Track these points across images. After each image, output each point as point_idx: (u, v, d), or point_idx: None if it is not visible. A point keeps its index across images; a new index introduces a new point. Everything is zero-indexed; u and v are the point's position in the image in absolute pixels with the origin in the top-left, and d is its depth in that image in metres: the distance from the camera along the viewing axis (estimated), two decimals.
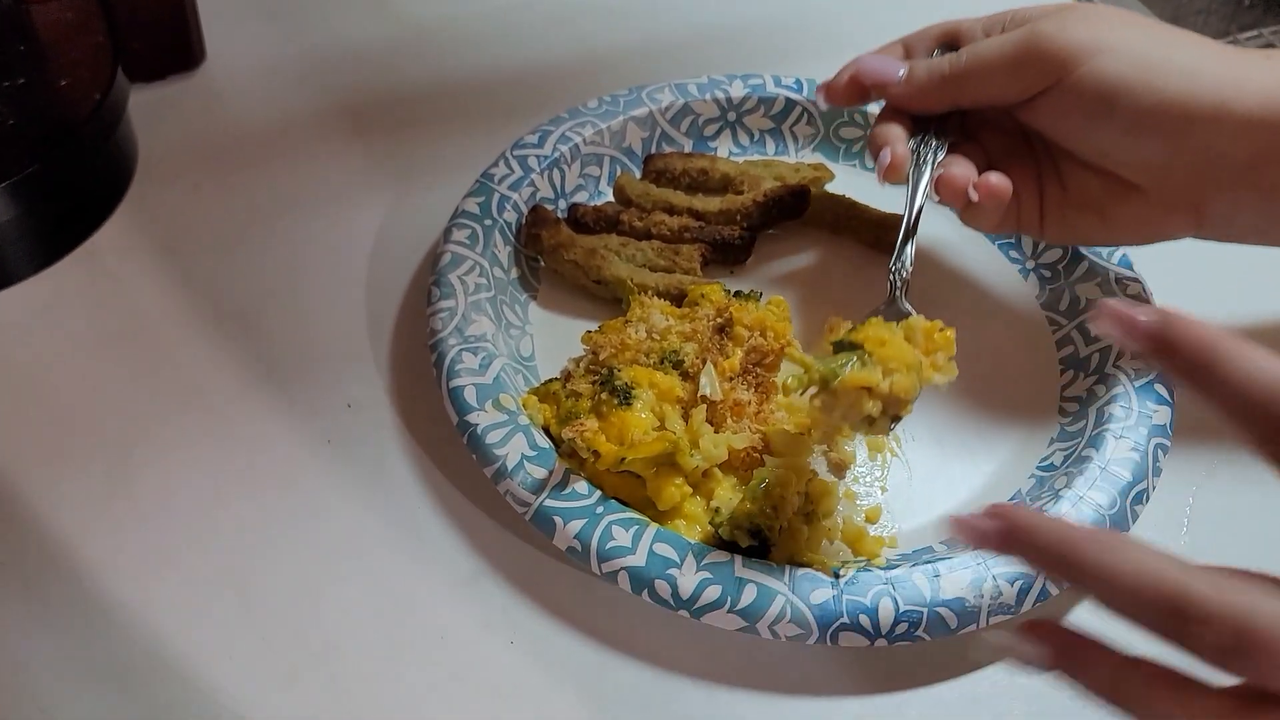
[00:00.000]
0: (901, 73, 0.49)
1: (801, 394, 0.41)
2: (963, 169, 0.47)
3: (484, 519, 0.44)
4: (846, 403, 0.40)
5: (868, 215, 0.55)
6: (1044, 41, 0.45)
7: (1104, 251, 0.53)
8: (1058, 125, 0.47)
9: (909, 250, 0.49)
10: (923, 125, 0.50)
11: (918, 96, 0.49)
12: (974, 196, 0.47)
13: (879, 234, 0.55)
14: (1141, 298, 0.51)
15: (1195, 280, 0.56)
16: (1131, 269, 0.52)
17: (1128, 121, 0.44)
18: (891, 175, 0.48)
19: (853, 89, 0.50)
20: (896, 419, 0.41)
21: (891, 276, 0.49)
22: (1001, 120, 0.50)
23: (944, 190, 0.47)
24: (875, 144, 0.49)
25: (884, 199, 0.57)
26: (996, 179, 0.47)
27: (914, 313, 0.45)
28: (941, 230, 0.56)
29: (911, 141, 0.49)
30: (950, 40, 0.50)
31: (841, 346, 0.42)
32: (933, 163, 0.49)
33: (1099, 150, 0.46)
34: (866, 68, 0.50)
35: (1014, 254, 0.56)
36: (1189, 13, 1.17)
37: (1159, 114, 0.44)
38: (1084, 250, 0.53)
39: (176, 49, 0.60)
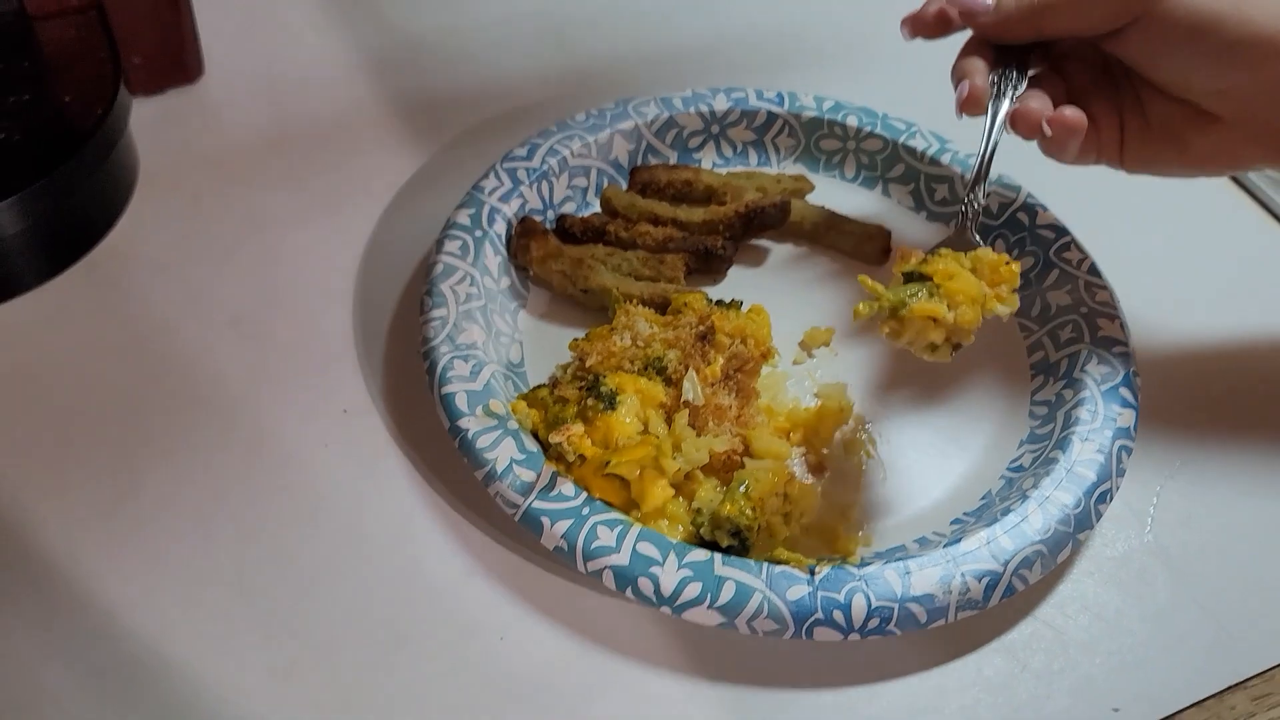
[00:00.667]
0: (990, 2, 0.49)
1: (870, 318, 0.45)
2: (1039, 103, 0.48)
3: (475, 520, 0.46)
4: (913, 330, 0.44)
5: (846, 225, 0.57)
6: None
7: (1074, 259, 0.55)
8: (1144, 55, 0.47)
9: (983, 184, 0.50)
10: (1005, 57, 0.50)
11: (1005, 27, 0.49)
12: (1047, 131, 0.47)
13: (856, 243, 0.57)
14: (1110, 304, 0.53)
15: (1165, 283, 0.58)
16: (1100, 276, 0.54)
17: (1215, 52, 0.45)
18: (970, 107, 0.49)
19: (940, 20, 0.51)
20: (958, 347, 0.45)
21: (964, 208, 0.50)
22: (1084, 51, 0.51)
23: (1019, 124, 0.48)
24: (956, 76, 0.50)
25: (861, 207, 0.59)
26: (1071, 114, 0.47)
27: (982, 244, 0.48)
28: (919, 239, 0.58)
29: (992, 74, 0.49)
30: None
31: (911, 277, 0.45)
32: (1012, 95, 0.49)
33: (1183, 80, 0.47)
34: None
35: None
36: None
37: (1247, 44, 0.44)
38: (1053, 258, 0.55)
39: (175, 63, 0.62)
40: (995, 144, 0.49)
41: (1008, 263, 0.45)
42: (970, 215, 0.50)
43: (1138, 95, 0.50)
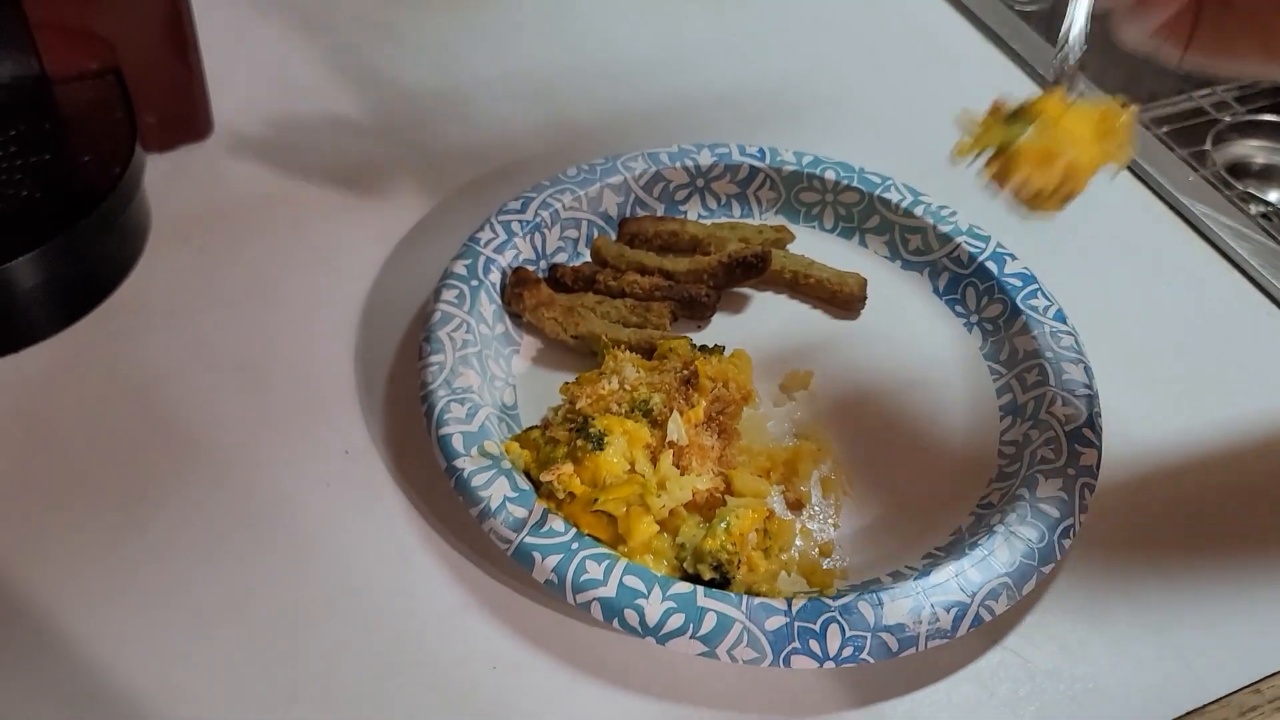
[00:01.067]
0: None
1: (977, 157, 0.40)
2: None
3: (470, 555, 0.48)
4: (1024, 172, 0.40)
5: (824, 274, 0.60)
6: None
7: (1040, 306, 0.58)
8: None
9: (1073, 36, 0.45)
10: None
11: None
12: None
13: (834, 292, 0.59)
14: (1075, 350, 0.56)
15: (1126, 328, 0.61)
16: (1065, 322, 0.57)
17: None
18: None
19: None
20: (1068, 198, 0.40)
21: (1057, 62, 0.46)
22: None
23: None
24: None
25: (840, 258, 0.62)
26: None
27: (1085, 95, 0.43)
28: (894, 287, 0.61)
29: None
30: None
31: (1016, 118, 0.40)
32: None
33: None
34: None
35: (959, 309, 0.60)
36: (1146, 72, 1.23)
37: None
38: (1020, 305, 0.58)
39: (187, 122, 0.65)
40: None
41: (1123, 106, 0.40)
42: (1065, 71, 0.45)
43: None
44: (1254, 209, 0.85)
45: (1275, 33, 0.44)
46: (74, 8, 0.58)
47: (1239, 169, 0.95)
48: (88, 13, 0.58)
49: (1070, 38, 0.45)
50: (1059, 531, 0.48)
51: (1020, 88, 0.77)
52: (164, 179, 0.63)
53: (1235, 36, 0.45)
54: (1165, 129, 0.97)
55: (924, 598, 0.45)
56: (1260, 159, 0.97)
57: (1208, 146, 0.92)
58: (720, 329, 0.59)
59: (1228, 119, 0.97)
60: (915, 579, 0.46)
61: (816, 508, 0.52)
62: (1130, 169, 0.72)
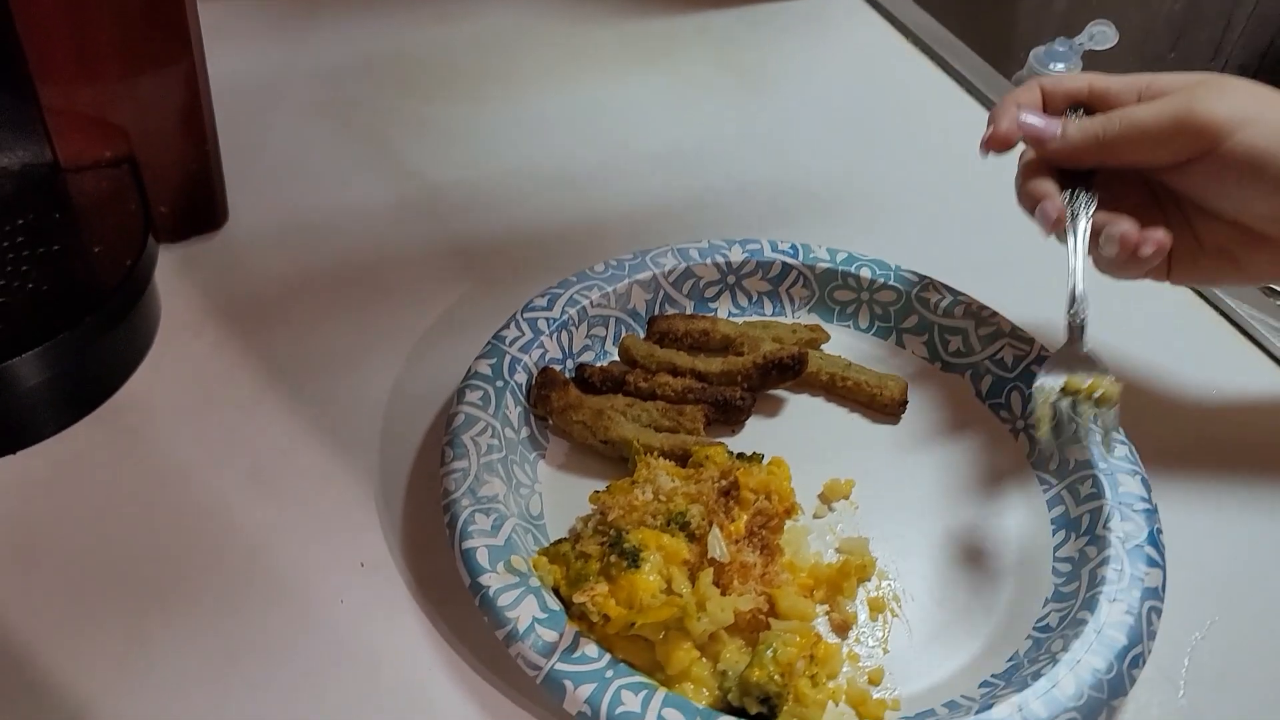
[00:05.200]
0: (1058, 131, 0.53)
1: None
2: (1129, 225, 0.51)
3: (494, 681, 0.45)
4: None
5: (863, 377, 0.58)
6: (1200, 114, 0.49)
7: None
8: (1205, 188, 0.51)
9: (1078, 296, 0.52)
10: (1069, 179, 0.53)
11: (1073, 155, 0.53)
12: (1146, 251, 0.51)
13: (873, 395, 0.57)
14: (1130, 461, 0.53)
15: (1180, 433, 0.58)
16: (1119, 430, 0.54)
17: (1272, 185, 0.49)
18: (1057, 226, 0.52)
19: (1007, 139, 0.54)
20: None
21: (1070, 319, 0.52)
22: (1127, 173, 0.54)
23: (1122, 246, 0.51)
24: (1032, 198, 0.53)
25: (877, 359, 0.59)
26: (1163, 235, 0.51)
27: (1092, 353, 0.51)
28: (934, 390, 0.59)
29: (1062, 195, 0.53)
30: (1083, 99, 0.54)
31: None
32: (1086, 214, 0.52)
33: (1241, 208, 0.51)
34: (1028, 124, 0.53)
35: (1004, 414, 0.58)
36: None
37: None
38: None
39: (201, 211, 0.63)
40: (1082, 260, 0.52)
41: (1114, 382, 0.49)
42: (1078, 328, 0.52)
43: (1188, 217, 0.53)
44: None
45: (1243, 262, 0.53)
46: (89, 94, 0.56)
47: None
48: (103, 100, 0.56)
49: (1079, 294, 0.52)
50: (1128, 660, 0.45)
51: None
52: (175, 270, 0.61)
53: (1210, 266, 0.53)
54: None
55: None
56: None
57: None
58: (754, 434, 0.56)
59: None
60: (975, 713, 0.43)
61: (864, 630, 0.48)
62: None
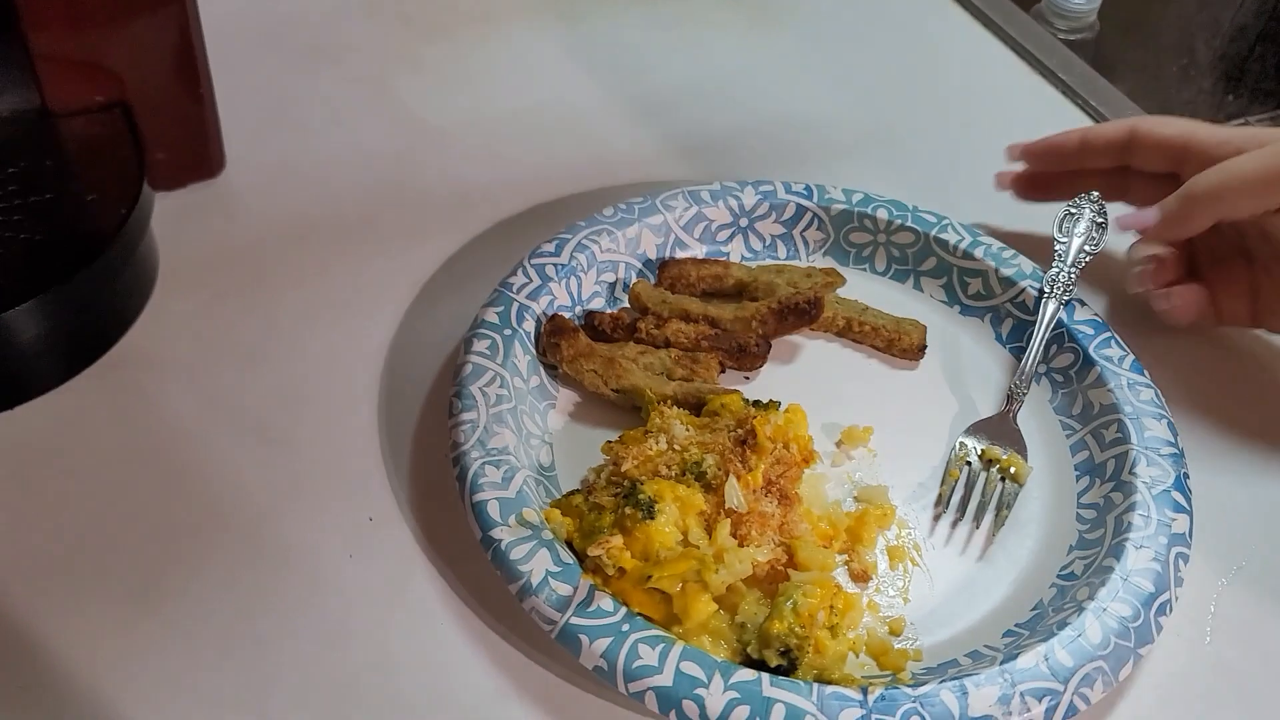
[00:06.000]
0: (1155, 215, 0.54)
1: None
2: (1196, 295, 0.55)
3: (507, 635, 0.44)
4: None
5: (880, 321, 0.56)
6: None
7: (1115, 356, 0.54)
8: None
9: (1027, 370, 0.54)
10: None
11: (1181, 227, 0.54)
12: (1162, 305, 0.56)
13: (891, 340, 0.55)
14: (1156, 404, 0.52)
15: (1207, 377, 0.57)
16: (1143, 374, 0.53)
17: None
18: (1185, 314, 0.56)
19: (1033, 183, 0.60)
20: None
21: (1011, 389, 0.54)
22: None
23: (1178, 312, 0.55)
24: (1156, 278, 0.55)
25: (894, 303, 0.58)
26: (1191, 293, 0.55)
27: (1020, 430, 0.52)
28: (953, 334, 0.57)
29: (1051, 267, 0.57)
30: (1156, 151, 0.56)
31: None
32: (1056, 298, 0.55)
33: None
34: (1126, 223, 0.56)
35: None
36: (1178, 103, 1.20)
37: None
38: (1094, 355, 0.54)
39: (198, 158, 0.61)
40: (1042, 336, 0.55)
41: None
42: (1017, 399, 0.53)
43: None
44: None
45: None
46: (78, 38, 0.54)
47: None
48: (92, 43, 0.54)
49: (1028, 369, 0.54)
50: (1155, 608, 0.44)
51: (1068, 119, 0.73)
52: (173, 219, 0.59)
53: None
54: None
55: (1012, 685, 0.41)
56: None
57: None
58: (770, 380, 0.55)
59: None
60: (1000, 663, 0.42)
61: (884, 580, 0.47)
62: None
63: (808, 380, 0.55)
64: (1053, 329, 0.55)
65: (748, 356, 0.53)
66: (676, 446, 0.47)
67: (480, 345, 0.51)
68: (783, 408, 0.50)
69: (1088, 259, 0.57)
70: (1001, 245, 0.59)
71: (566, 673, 0.43)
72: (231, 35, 0.70)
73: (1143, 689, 0.45)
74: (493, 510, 0.45)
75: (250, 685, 0.42)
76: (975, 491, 0.50)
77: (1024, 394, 0.53)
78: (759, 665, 0.42)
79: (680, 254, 0.59)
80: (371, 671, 0.43)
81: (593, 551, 0.42)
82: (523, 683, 0.43)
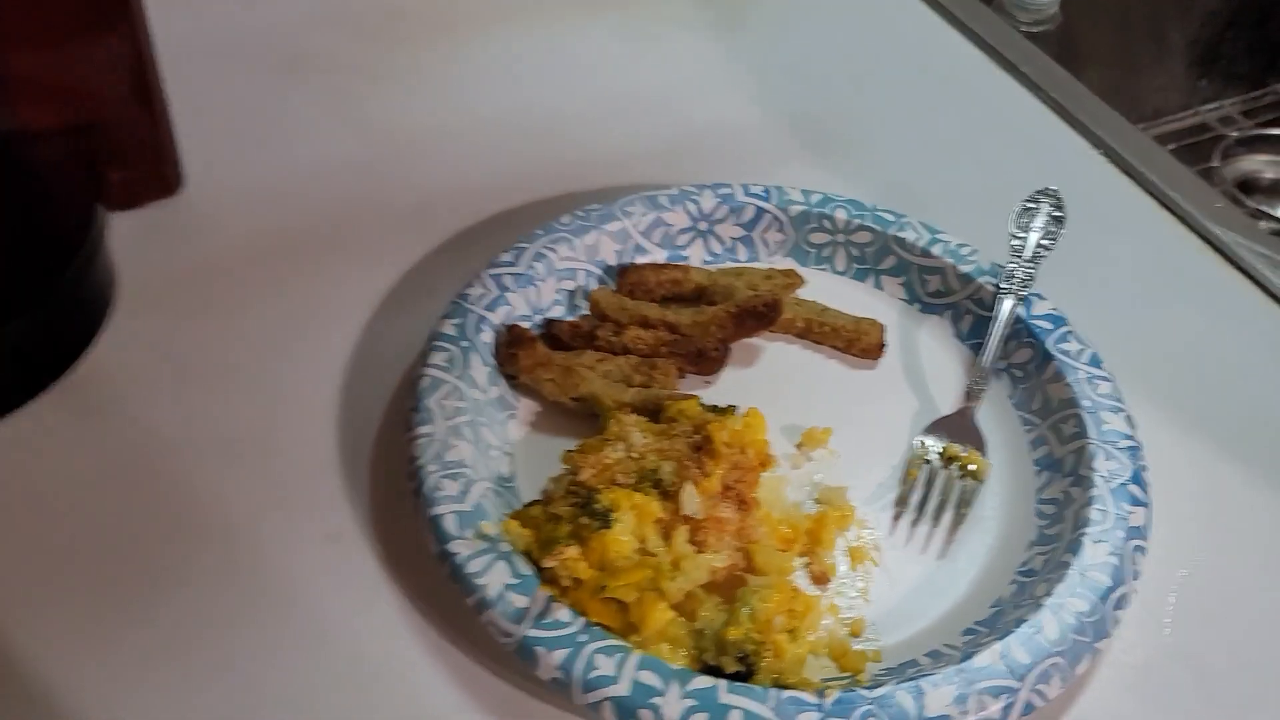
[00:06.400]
0: None
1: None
2: None
3: (467, 649, 0.44)
4: None
5: (839, 321, 0.56)
6: None
7: (1073, 350, 0.54)
8: None
9: (985, 367, 0.54)
10: None
11: None
12: None
13: (850, 340, 0.56)
14: (1113, 398, 0.52)
15: (1167, 371, 0.57)
16: (1101, 366, 0.53)
17: None
18: None
19: None
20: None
21: (970, 386, 0.54)
22: None
23: None
24: None
25: (854, 303, 0.58)
26: None
27: (980, 429, 0.52)
28: (913, 332, 0.57)
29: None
30: None
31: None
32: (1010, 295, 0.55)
33: None
34: None
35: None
36: (1150, 89, 1.20)
37: None
38: (1052, 350, 0.54)
39: (155, 176, 0.61)
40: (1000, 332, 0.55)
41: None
42: (975, 397, 0.53)
43: None
44: (1264, 225, 0.81)
45: None
46: (29, 56, 0.54)
47: (1247, 185, 0.92)
48: (45, 62, 0.54)
49: (985, 366, 0.54)
50: (1112, 602, 0.44)
51: (1032, 113, 0.73)
52: (131, 239, 0.59)
53: None
54: (1172, 146, 0.93)
55: (969, 684, 0.41)
56: (1269, 174, 0.93)
57: (1216, 163, 0.89)
58: (730, 384, 0.55)
59: (1235, 134, 0.94)
60: (958, 662, 0.42)
61: (844, 581, 0.47)
62: (1152, 194, 0.69)
63: (768, 383, 0.55)
64: (1011, 324, 0.55)
65: (706, 361, 0.53)
66: (634, 454, 0.47)
67: (438, 358, 0.51)
68: (741, 412, 0.50)
69: (1045, 253, 0.57)
70: (960, 242, 0.59)
71: (527, 685, 0.43)
72: (189, 51, 0.70)
73: (1103, 682, 0.45)
74: (450, 524, 0.45)
75: (208, 706, 0.42)
76: (935, 490, 0.50)
77: (983, 390, 0.54)
78: (718, 672, 0.42)
79: (640, 259, 0.59)
80: (331, 687, 0.43)
81: (547, 563, 0.42)
82: (482, 696, 0.43)
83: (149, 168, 0.60)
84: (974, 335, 0.57)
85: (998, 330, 0.55)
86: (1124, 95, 0.88)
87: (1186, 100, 1.21)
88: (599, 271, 0.58)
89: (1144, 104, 1.01)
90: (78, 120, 0.56)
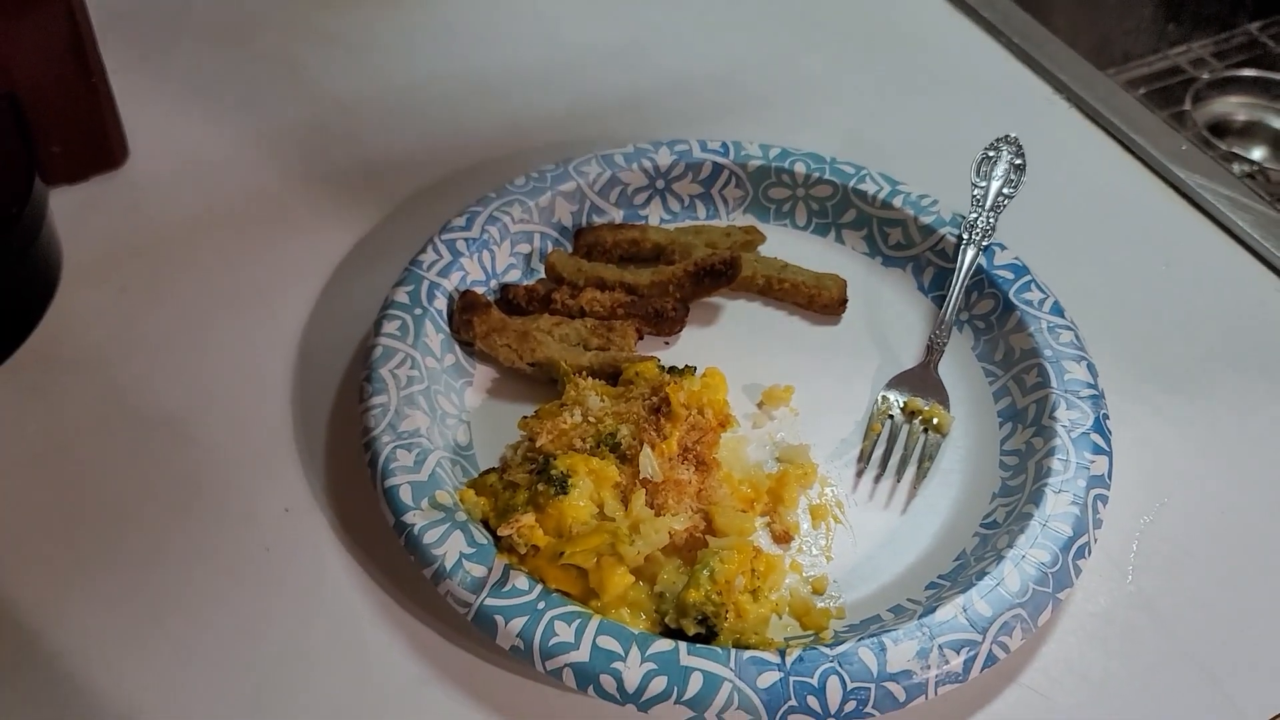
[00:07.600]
0: None
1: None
2: None
3: (427, 620, 0.44)
4: None
5: (800, 277, 0.55)
6: None
7: (1035, 299, 0.53)
8: None
9: (946, 319, 0.54)
10: None
11: None
12: None
13: (811, 296, 0.55)
14: (1075, 346, 0.51)
15: (1130, 317, 0.57)
16: (1063, 315, 0.53)
17: None
18: None
19: None
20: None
21: (931, 340, 0.53)
22: None
23: None
24: None
25: (816, 258, 0.57)
26: None
27: (941, 382, 0.52)
28: (875, 286, 0.57)
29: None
30: None
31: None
32: (975, 242, 0.55)
33: None
34: None
35: None
36: (1117, 33, 1.19)
37: None
38: (1014, 300, 0.53)
39: (97, 149, 0.59)
40: (961, 286, 0.54)
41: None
42: (937, 351, 0.53)
43: None
44: (1237, 168, 0.81)
45: None
46: None
47: (1220, 128, 0.91)
48: None
49: (947, 318, 0.53)
50: (1073, 551, 0.44)
51: (995, 59, 0.72)
52: (75, 213, 0.58)
53: None
54: (1143, 90, 0.92)
55: (930, 638, 0.41)
56: (1241, 116, 0.93)
57: (1187, 106, 0.88)
58: (690, 345, 0.54)
59: (1206, 76, 0.93)
60: (920, 617, 0.42)
61: (807, 539, 0.47)
62: (1116, 138, 0.68)
63: (728, 342, 0.54)
64: (973, 275, 0.55)
65: (665, 322, 0.53)
66: (591, 419, 0.46)
67: (390, 326, 0.50)
68: (700, 372, 0.49)
69: (1007, 202, 0.57)
70: (921, 193, 0.58)
71: (487, 654, 0.43)
72: (129, 20, 0.68)
73: (1065, 631, 0.45)
74: (405, 495, 0.44)
75: (169, 683, 0.41)
76: (897, 445, 0.50)
77: (944, 343, 0.53)
78: (680, 635, 0.42)
79: (597, 220, 0.58)
80: (291, 661, 0.42)
81: (503, 531, 0.42)
82: (443, 666, 0.42)
83: (90, 140, 0.59)
84: (936, 288, 0.56)
85: (959, 280, 0.54)
86: (1090, 39, 0.87)
87: (1155, 43, 1.20)
88: (555, 234, 0.57)
89: (1112, 47, 0.99)
90: (10, 91, 0.55)
